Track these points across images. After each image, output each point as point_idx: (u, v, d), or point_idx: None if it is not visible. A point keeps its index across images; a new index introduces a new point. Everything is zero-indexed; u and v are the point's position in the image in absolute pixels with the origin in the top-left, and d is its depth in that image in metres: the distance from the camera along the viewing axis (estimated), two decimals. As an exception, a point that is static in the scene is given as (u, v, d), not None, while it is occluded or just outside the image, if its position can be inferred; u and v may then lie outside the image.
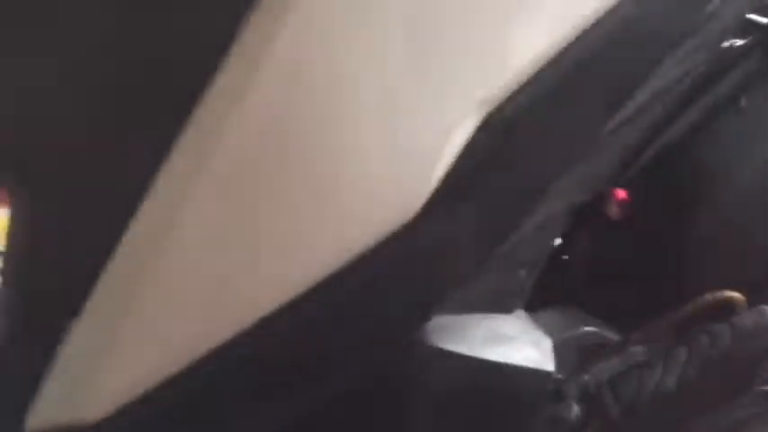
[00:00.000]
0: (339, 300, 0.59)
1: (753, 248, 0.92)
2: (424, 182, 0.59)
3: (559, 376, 0.77)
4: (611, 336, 0.89)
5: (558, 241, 1.05)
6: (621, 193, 0.93)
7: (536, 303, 0.80)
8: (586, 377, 0.78)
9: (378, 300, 0.61)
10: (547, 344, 0.70)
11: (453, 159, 0.59)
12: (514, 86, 0.59)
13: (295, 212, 0.57)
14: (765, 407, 0.78)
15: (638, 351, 0.83)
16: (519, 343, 0.69)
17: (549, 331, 0.74)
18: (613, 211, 0.93)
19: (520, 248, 0.67)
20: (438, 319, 0.64)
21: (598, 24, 0.61)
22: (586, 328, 0.89)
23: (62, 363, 0.56)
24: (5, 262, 0.58)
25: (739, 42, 0.96)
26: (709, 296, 0.81)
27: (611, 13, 0.62)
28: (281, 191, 0.56)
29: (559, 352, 0.74)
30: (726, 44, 0.96)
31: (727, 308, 0.81)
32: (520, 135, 0.61)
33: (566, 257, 1.05)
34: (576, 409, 0.76)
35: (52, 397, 0.57)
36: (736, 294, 0.81)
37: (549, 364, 0.69)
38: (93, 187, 0.56)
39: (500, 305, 0.69)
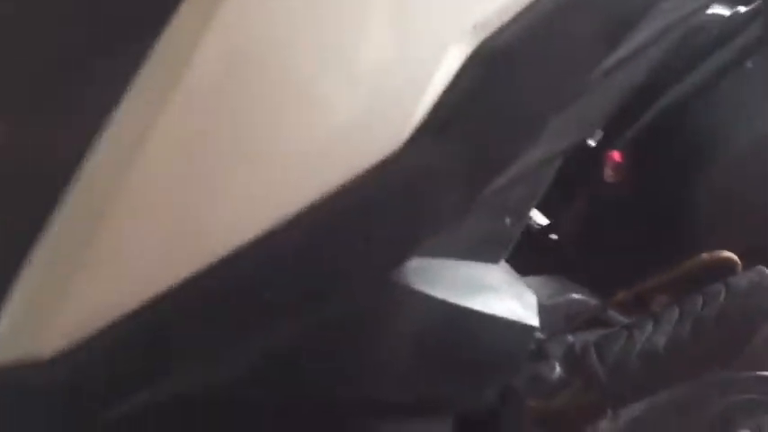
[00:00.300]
0: (315, 233, 0.57)
1: (749, 216, 0.91)
2: (410, 112, 0.57)
3: (542, 336, 0.75)
4: (598, 304, 0.87)
5: (545, 221, 1.04)
6: (617, 155, 0.91)
7: (526, 271, 0.77)
8: (571, 337, 0.76)
9: (356, 233, 0.58)
10: (531, 298, 0.68)
11: (443, 89, 0.57)
12: (511, 12, 0.57)
13: (268, 142, 0.54)
14: (763, 392, 0.77)
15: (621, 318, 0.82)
16: (502, 294, 0.66)
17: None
18: (608, 174, 0.92)
19: (507, 194, 0.65)
20: (419, 262, 0.61)
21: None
22: (573, 296, 0.87)
23: (16, 296, 0.54)
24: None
25: (743, 9, 0.95)
26: (705, 255, 0.80)
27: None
28: (254, 118, 0.53)
29: (545, 318, 0.71)
30: (729, 12, 0.95)
31: (725, 269, 0.79)
32: (515, 65, 0.59)
33: (556, 232, 1.04)
34: (558, 369, 0.74)
35: (5, 332, 0.54)
36: (732, 255, 0.79)
37: (532, 319, 0.66)
38: (52, 111, 0.53)
39: (484, 254, 0.67)
